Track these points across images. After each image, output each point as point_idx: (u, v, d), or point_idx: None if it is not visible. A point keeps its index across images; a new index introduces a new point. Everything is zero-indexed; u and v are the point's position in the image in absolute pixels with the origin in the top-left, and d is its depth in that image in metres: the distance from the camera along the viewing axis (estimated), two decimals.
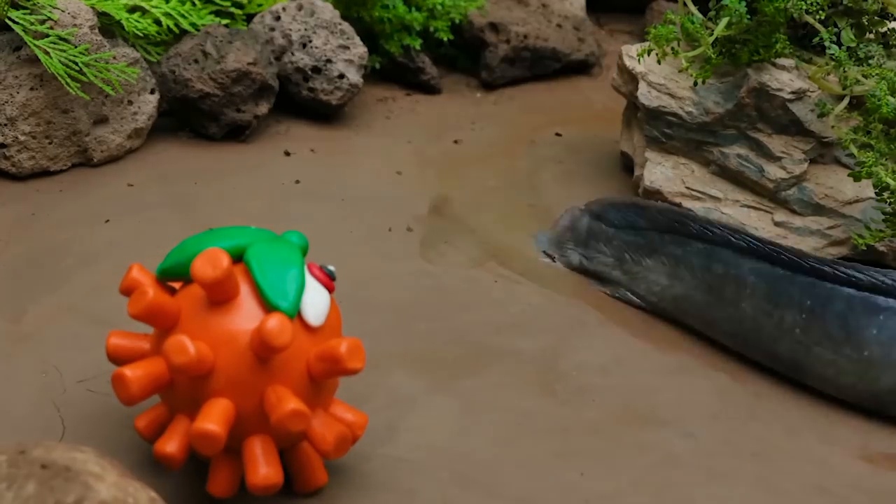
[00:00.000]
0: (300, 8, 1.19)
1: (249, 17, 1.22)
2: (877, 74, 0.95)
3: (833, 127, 0.98)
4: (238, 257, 0.69)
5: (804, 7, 0.96)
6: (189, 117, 1.14)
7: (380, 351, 0.83)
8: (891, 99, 0.92)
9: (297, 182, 1.08)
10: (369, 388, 0.81)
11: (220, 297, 0.67)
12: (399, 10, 1.25)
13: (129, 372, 0.66)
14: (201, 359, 0.65)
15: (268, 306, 0.67)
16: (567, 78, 1.35)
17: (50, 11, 1.02)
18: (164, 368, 0.67)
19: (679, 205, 1.04)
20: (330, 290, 0.71)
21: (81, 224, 0.99)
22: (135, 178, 1.07)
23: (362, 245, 0.99)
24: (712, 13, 1.03)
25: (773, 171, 1.01)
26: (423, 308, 0.91)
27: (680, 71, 1.03)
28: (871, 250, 0.99)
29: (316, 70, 1.17)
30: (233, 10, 1.19)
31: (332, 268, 0.71)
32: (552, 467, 0.77)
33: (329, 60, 1.17)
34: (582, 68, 1.36)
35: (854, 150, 0.94)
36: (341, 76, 1.17)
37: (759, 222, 1.02)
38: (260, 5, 1.21)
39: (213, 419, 0.65)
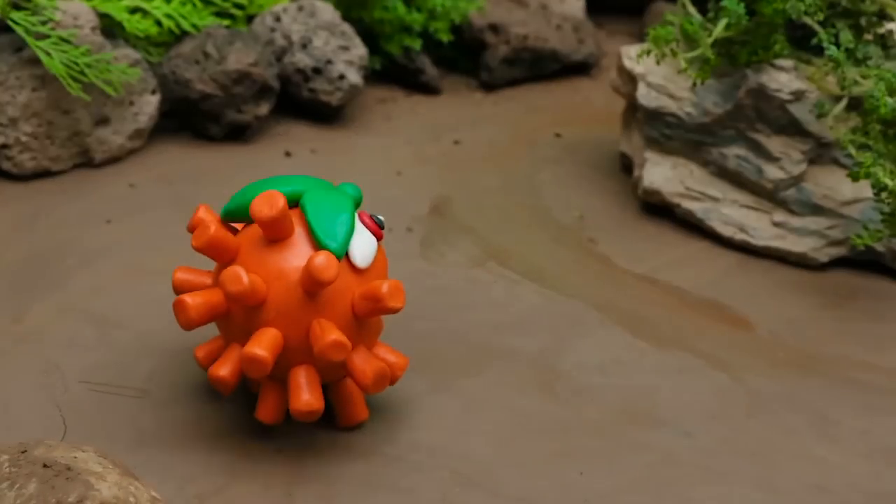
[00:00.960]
0: (301, 9, 1.20)
1: (250, 18, 1.22)
2: (875, 75, 0.95)
3: (831, 127, 0.98)
4: (295, 203, 0.75)
5: (803, 8, 0.97)
6: (190, 118, 1.15)
7: None
8: (889, 100, 0.92)
9: None
10: None
11: (275, 235, 0.72)
12: (399, 12, 1.25)
13: (189, 299, 0.72)
14: (254, 289, 0.70)
15: (318, 246, 0.72)
16: (567, 79, 1.35)
17: (51, 12, 1.02)
18: (221, 298, 0.72)
19: (678, 205, 1.04)
20: (378, 237, 0.76)
21: (82, 224, 0.99)
22: (136, 179, 1.07)
23: None
24: (711, 14, 1.03)
25: (772, 172, 1.02)
26: (423, 308, 0.92)
27: (679, 72, 1.03)
28: (869, 250, 1.00)
29: (316, 71, 1.17)
30: (234, 11, 1.19)
31: (381, 217, 0.77)
32: (552, 467, 0.77)
33: (329, 61, 1.17)
34: (581, 69, 1.36)
35: (852, 150, 0.94)
36: (342, 77, 1.18)
37: (758, 223, 1.02)
38: (261, 6, 1.21)
39: (262, 345, 0.70)
